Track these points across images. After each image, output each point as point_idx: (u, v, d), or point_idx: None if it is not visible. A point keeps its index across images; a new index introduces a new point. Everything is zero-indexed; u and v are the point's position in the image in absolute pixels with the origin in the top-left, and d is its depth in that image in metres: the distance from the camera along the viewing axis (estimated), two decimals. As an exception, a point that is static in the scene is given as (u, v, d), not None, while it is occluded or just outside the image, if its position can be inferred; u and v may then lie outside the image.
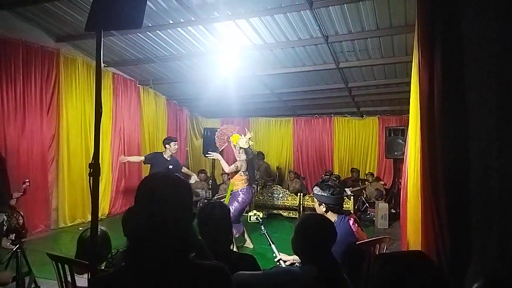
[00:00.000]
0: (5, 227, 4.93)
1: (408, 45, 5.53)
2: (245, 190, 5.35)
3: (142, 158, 6.52)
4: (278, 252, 2.70)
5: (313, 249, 1.66)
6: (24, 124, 5.72)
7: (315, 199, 2.82)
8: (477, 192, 2.04)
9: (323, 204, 2.72)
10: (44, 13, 5.47)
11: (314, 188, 2.83)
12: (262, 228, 2.92)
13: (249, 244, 5.37)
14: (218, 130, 6.11)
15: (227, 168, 5.50)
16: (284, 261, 2.67)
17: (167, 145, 6.18)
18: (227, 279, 1.12)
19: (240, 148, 5.47)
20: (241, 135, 5.57)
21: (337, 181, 8.66)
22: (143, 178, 1.23)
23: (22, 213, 5.12)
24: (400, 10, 4.77)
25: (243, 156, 5.47)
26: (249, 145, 5.56)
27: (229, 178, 6.02)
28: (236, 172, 5.41)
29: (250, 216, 3.10)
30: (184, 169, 6.74)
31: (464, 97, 2.17)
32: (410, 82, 3.49)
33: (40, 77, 5.96)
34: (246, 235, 5.40)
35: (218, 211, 2.02)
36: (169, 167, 6.03)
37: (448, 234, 2.16)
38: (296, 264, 2.65)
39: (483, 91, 2.06)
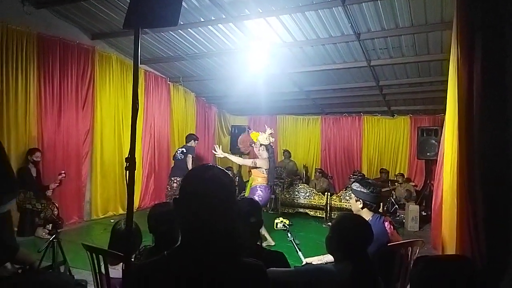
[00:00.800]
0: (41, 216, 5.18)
1: (443, 43, 5.35)
2: (263, 187, 5.32)
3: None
4: (304, 258, 2.70)
5: (349, 249, 1.64)
6: (60, 119, 5.96)
7: (352, 195, 2.81)
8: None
9: (360, 200, 2.71)
10: (80, 12, 5.67)
11: (353, 184, 2.83)
12: (289, 235, 2.91)
13: (270, 241, 5.32)
14: (239, 138, 6.17)
15: (241, 161, 5.57)
16: (309, 263, 2.66)
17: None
18: (264, 277, 1.13)
19: (261, 145, 5.46)
20: (260, 132, 5.55)
21: (365, 180, 8.49)
22: (187, 172, 1.21)
23: (57, 205, 5.34)
24: (436, 6, 4.61)
25: (265, 154, 5.42)
26: (270, 142, 5.53)
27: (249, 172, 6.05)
28: (256, 167, 5.42)
29: (276, 223, 3.07)
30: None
31: (505, 97, 2.08)
32: (445, 81, 3.37)
33: (76, 73, 6.19)
34: (266, 233, 5.34)
35: (247, 205, 2.04)
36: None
37: (484, 238, 2.08)
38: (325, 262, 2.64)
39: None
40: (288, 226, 3.01)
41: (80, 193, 6.43)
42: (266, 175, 5.38)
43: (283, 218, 3.06)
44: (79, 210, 6.41)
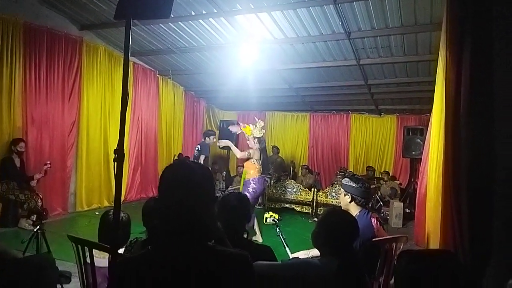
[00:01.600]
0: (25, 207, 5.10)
1: (432, 44, 5.43)
2: (256, 179, 5.32)
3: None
4: (291, 254, 2.73)
5: (335, 243, 1.66)
6: (46, 109, 5.86)
7: (342, 189, 2.87)
8: (500, 193, 2.01)
9: (349, 194, 2.75)
10: (69, 1, 5.57)
11: (344, 179, 2.89)
12: (277, 230, 2.94)
13: (258, 237, 5.34)
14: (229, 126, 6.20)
15: (239, 154, 5.56)
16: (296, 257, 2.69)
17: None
18: (249, 268, 1.14)
19: (254, 138, 5.48)
20: (251, 125, 5.58)
21: (352, 178, 8.59)
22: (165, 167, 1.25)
23: (41, 196, 5.26)
24: (426, 7, 4.67)
25: (257, 145, 5.47)
26: (262, 134, 5.56)
27: (241, 166, 6.08)
28: (249, 159, 5.43)
29: (266, 217, 3.10)
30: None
31: (491, 98, 2.13)
32: (432, 81, 3.43)
33: (63, 63, 6.08)
34: (256, 228, 5.37)
35: (236, 201, 2.05)
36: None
37: (468, 234, 2.14)
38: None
39: (511, 92, 2.02)
40: (277, 221, 3.04)
41: (65, 185, 6.33)
42: (258, 166, 5.39)
43: (273, 213, 3.07)
44: (64, 201, 6.32)
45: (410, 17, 4.94)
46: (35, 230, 2.89)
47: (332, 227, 1.78)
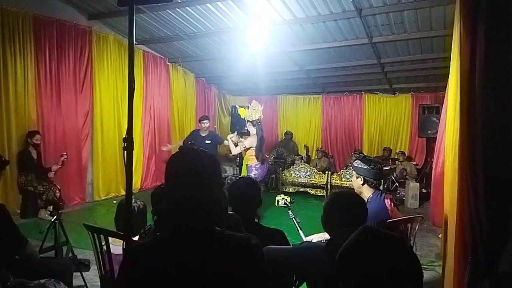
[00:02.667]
0: (43, 198, 5.23)
1: (447, 18, 5.23)
2: (258, 166, 5.35)
3: (181, 142, 6.82)
4: (305, 237, 2.72)
5: (342, 226, 1.63)
6: (59, 101, 5.93)
7: (353, 172, 2.82)
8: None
9: (361, 177, 2.71)
10: (76, -9, 5.56)
11: (355, 161, 2.84)
12: (290, 213, 2.91)
13: None
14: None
15: (235, 150, 5.58)
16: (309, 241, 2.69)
17: (200, 123, 6.71)
18: (258, 251, 1.13)
19: (247, 121, 5.43)
20: (246, 108, 5.52)
21: (365, 159, 8.50)
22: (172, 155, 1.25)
23: (58, 187, 5.38)
24: (439, -21, 4.50)
25: (253, 130, 5.42)
26: (257, 118, 5.45)
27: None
28: (248, 148, 5.42)
29: (278, 200, 3.04)
30: (225, 142, 6.54)
31: (508, 72, 2.04)
32: (448, 58, 3.31)
33: (73, 55, 6.11)
34: None
35: (245, 186, 2.04)
36: (206, 142, 6.35)
37: (485, 214, 2.09)
38: (322, 241, 2.66)
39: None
40: (289, 204, 3.00)
41: (82, 175, 6.46)
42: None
43: (284, 196, 3.05)
44: (81, 191, 6.46)
45: (423, -10, 4.76)
46: (52, 220, 2.94)
47: (337, 210, 1.75)
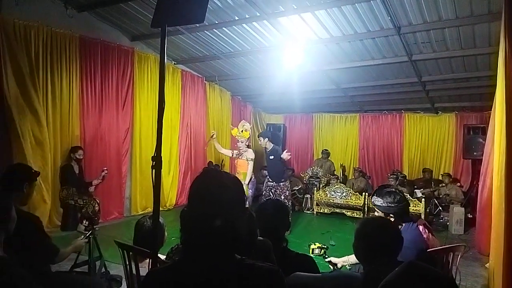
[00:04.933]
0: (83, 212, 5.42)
1: (491, 35, 4.99)
2: (250, 182, 5.71)
3: (229, 151, 6.63)
4: (329, 257, 2.60)
5: (375, 255, 1.52)
6: (101, 118, 6.20)
7: (375, 208, 2.60)
8: None
9: (381, 212, 2.51)
10: (120, 14, 5.86)
11: (373, 198, 2.58)
12: (327, 258, 2.72)
13: None
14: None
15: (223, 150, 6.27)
16: (334, 264, 2.56)
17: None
18: (280, 284, 1.07)
19: (238, 140, 5.89)
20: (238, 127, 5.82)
21: (404, 180, 8.15)
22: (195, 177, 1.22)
23: (98, 201, 5.56)
24: (482, -5, 4.30)
25: (245, 147, 5.92)
26: (243, 137, 5.81)
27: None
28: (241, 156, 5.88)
29: (312, 249, 2.80)
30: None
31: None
32: (494, 76, 3.12)
33: (116, 74, 6.40)
34: None
35: (272, 209, 1.98)
36: (270, 157, 6.08)
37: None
38: (347, 266, 2.52)
39: None
40: (326, 251, 2.78)
41: (121, 190, 6.65)
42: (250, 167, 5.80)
43: (319, 243, 2.85)
44: (120, 206, 6.64)
45: (465, 7, 4.56)
46: (87, 235, 3.01)
47: (368, 238, 1.64)
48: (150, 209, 6.95)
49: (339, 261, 2.53)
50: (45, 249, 2.34)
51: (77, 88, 5.75)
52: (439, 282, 0.92)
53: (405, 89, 7.94)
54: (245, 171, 5.63)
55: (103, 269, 3.13)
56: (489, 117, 4.53)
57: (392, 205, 2.43)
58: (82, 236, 2.89)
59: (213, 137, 6.13)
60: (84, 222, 5.19)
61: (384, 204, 2.46)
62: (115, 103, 6.42)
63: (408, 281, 0.93)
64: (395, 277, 0.95)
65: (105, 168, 5.78)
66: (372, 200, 2.59)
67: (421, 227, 2.47)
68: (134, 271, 2.25)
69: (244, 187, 5.46)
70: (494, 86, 3.02)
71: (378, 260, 1.56)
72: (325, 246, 2.80)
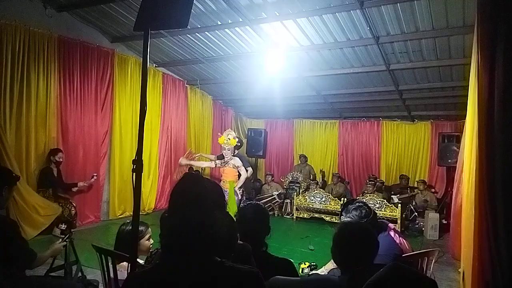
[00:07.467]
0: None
1: (466, 47, 5.19)
2: (238, 189, 5.67)
3: (211, 162, 6.54)
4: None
5: (351, 259, 1.57)
6: (79, 120, 6.08)
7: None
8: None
9: None
10: (100, 15, 5.79)
11: (341, 216, 2.53)
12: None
13: None
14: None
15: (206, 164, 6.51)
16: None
17: None
18: (259, 285, 1.09)
19: (225, 148, 5.79)
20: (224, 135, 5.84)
21: (382, 186, 8.33)
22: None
23: (74, 204, 5.44)
24: (457, 9, 4.48)
25: (230, 155, 5.83)
26: (230, 143, 5.78)
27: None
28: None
29: (302, 268, 2.81)
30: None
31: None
32: (467, 86, 3.26)
33: (95, 75, 6.30)
34: None
35: (252, 213, 2.00)
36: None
37: (506, 248, 1.98)
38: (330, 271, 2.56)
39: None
40: (315, 268, 2.83)
41: (98, 193, 6.52)
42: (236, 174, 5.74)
43: (308, 262, 2.85)
44: (97, 209, 6.51)
45: (441, 19, 4.75)
46: (64, 238, 2.95)
47: (345, 243, 1.68)
48: (128, 213, 6.87)
49: (324, 271, 2.56)
50: (23, 254, 2.28)
51: (55, 89, 5.63)
52: (422, 283, 0.96)
53: (383, 97, 8.14)
54: (232, 179, 5.57)
55: (80, 274, 3.07)
56: (463, 125, 4.71)
57: (360, 220, 2.39)
58: (60, 240, 2.82)
59: (193, 157, 6.23)
60: (61, 225, 5.12)
61: (344, 218, 2.44)
62: (94, 105, 6.31)
63: (393, 282, 0.96)
64: (380, 278, 0.99)
65: (95, 174, 5.77)
66: (341, 219, 2.53)
67: (392, 233, 2.51)
68: (112, 275, 2.22)
69: (237, 189, 5.49)
70: (467, 96, 3.15)
71: (355, 264, 1.60)
72: (314, 264, 2.83)
